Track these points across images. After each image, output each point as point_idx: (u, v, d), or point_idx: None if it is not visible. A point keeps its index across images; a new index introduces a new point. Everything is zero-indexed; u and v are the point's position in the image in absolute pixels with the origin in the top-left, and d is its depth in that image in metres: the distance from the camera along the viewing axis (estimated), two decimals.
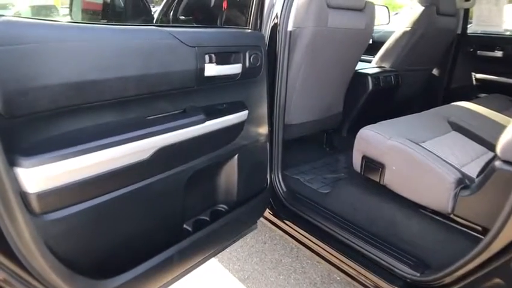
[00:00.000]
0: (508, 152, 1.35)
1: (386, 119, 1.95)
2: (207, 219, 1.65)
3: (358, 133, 1.83)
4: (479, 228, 1.53)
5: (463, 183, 1.56)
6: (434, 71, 3.23)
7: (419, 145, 1.72)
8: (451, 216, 1.57)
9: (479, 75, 3.08)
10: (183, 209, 1.48)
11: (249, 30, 1.68)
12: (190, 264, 1.54)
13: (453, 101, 3.31)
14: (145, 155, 1.22)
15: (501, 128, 2.17)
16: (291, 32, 1.88)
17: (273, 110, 1.91)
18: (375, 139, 1.76)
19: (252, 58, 1.58)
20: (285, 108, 2.00)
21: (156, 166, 1.29)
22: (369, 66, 2.77)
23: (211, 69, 1.40)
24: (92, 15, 2.86)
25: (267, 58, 1.70)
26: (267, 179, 1.91)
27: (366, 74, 2.59)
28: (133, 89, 1.19)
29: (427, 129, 1.91)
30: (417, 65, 2.96)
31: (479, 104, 2.51)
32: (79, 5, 2.73)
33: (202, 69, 1.37)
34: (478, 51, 3.05)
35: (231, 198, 1.72)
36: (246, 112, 1.61)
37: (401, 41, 2.70)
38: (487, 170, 1.46)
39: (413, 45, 2.72)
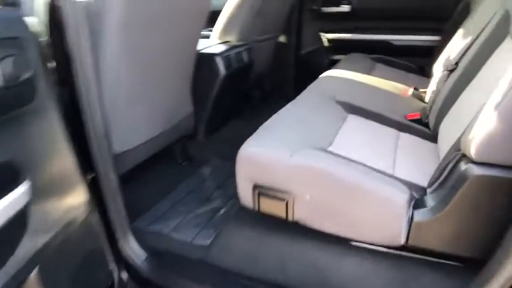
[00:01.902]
0: (485, 152, 0.88)
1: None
2: None
3: (240, 154, 1.15)
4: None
5: (413, 198, 1.05)
6: (282, 38, 2.75)
7: (332, 153, 1.15)
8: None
9: (329, 35, 2.71)
10: None
11: None
12: None
13: (306, 69, 2.96)
14: None
15: (392, 96, 1.78)
16: (86, 3, 1.05)
17: (89, 147, 1.08)
18: (269, 159, 1.11)
19: (7, 68, 0.72)
20: (109, 134, 1.19)
21: None
22: (212, 44, 2.09)
23: None
24: None
25: (46, 60, 0.85)
26: (109, 271, 1.10)
27: (213, 55, 1.90)
28: None
29: (322, 122, 1.35)
30: (265, 33, 2.41)
31: (347, 69, 2.11)
32: None
33: None
34: (323, 8, 2.67)
35: None
36: (25, 187, 0.75)
37: (245, 6, 2.08)
38: (454, 178, 0.96)
39: (259, 9, 2.14)
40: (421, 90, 1.92)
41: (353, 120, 1.44)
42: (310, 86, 1.79)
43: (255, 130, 1.26)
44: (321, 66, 2.77)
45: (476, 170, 0.91)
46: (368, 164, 1.14)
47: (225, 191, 1.66)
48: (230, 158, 2.08)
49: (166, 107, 1.64)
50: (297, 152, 1.08)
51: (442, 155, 1.24)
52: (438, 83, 1.60)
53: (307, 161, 1.06)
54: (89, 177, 1.13)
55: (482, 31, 1.37)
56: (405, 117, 1.60)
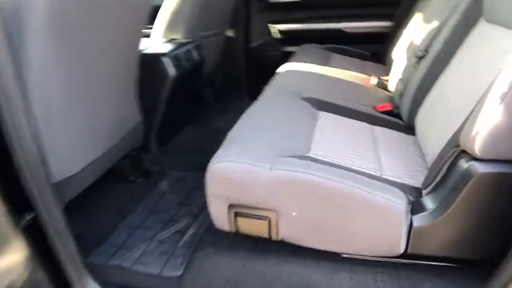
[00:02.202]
0: (491, 147, 0.79)
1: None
2: None
3: (210, 171, 0.98)
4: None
5: (410, 202, 0.94)
6: (230, 32, 2.58)
7: (314, 159, 1.01)
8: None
9: (279, 26, 2.58)
10: None
11: None
12: None
13: (258, 63, 2.82)
14: None
15: (356, 87, 1.69)
16: None
17: (21, 181, 0.86)
18: (245, 175, 0.95)
19: None
20: (44, 160, 0.98)
21: None
22: (156, 43, 1.88)
23: None
24: None
25: None
26: None
27: (160, 55, 1.70)
28: None
29: (294, 124, 1.22)
30: (212, 28, 2.24)
31: (303, 61, 2.00)
32: None
33: None
34: None
35: None
36: None
37: (189, 0, 1.90)
38: (454, 177, 0.87)
39: (205, 2, 1.96)
40: (382, 78, 1.85)
41: (324, 118, 1.32)
42: (271, 83, 1.65)
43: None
44: (273, 59, 2.65)
45: (481, 168, 0.82)
46: (354, 167, 1.02)
47: (189, 208, 1.48)
48: (189, 168, 1.92)
49: (110, 119, 1.42)
50: (276, 163, 0.94)
51: (426, 148, 1.16)
52: (405, 71, 1.52)
53: (290, 173, 0.92)
54: (28, 218, 0.91)
55: (451, 14, 1.29)
56: (375, 109, 1.51)
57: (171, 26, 1.97)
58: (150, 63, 1.70)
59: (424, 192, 0.97)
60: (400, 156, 1.17)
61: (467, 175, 0.83)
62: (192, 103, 2.13)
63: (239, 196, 0.97)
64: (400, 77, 1.62)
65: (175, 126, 2.03)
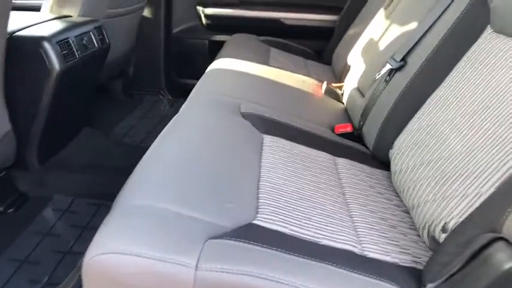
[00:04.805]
0: None
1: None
2: None
3: (87, 266, 0.55)
4: None
5: None
6: (147, 13, 2.09)
7: (265, 236, 0.64)
8: None
9: (208, 10, 2.14)
10: None
11: None
12: None
13: (181, 53, 2.35)
14: None
15: (306, 98, 1.36)
16: None
17: None
18: (152, 279, 0.54)
19: None
20: None
21: None
22: (40, 20, 1.35)
23: None
24: None
25: None
26: None
27: (38, 40, 1.19)
28: None
29: (232, 164, 0.84)
30: (124, 4, 1.75)
31: (238, 57, 1.61)
32: None
33: None
34: None
35: None
36: None
37: None
38: (489, 278, 0.55)
39: None
40: (333, 85, 1.53)
41: (273, 147, 0.95)
42: (198, 88, 1.24)
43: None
44: (199, 48, 2.24)
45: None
46: (323, 239, 0.68)
47: (76, 258, 1.04)
48: (83, 191, 1.44)
49: None
50: (206, 254, 0.55)
51: (413, 202, 0.84)
52: (368, 83, 1.21)
53: (232, 274, 0.54)
54: None
55: (438, 17, 0.99)
56: (333, 130, 1.18)
57: None
58: (26, 50, 1.20)
59: (429, 286, 0.64)
60: (379, 210, 0.84)
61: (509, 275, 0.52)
62: (91, 101, 1.63)
63: None
64: (358, 87, 1.31)
65: (66, 132, 1.52)
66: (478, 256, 0.59)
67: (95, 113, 1.77)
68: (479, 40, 0.87)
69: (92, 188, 1.40)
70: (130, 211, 0.61)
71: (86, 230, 1.22)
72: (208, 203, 0.67)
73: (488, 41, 0.85)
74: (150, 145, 0.83)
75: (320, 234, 0.69)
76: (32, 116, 1.27)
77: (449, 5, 0.98)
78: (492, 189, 0.65)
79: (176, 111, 1.04)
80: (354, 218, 0.79)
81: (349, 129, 1.17)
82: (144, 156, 0.79)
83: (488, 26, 0.87)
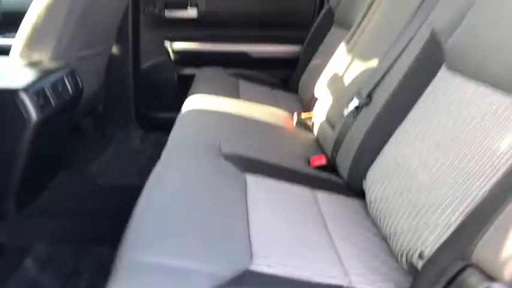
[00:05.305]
0: None
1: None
2: None
3: None
4: None
5: None
6: (115, 50, 2.11)
7: (261, 278, 0.69)
8: None
9: (176, 45, 2.19)
10: None
11: None
12: None
13: (151, 87, 2.38)
14: None
15: (280, 132, 1.43)
16: None
17: None
18: None
19: None
20: None
21: None
22: (13, 68, 1.35)
23: None
24: None
25: None
26: None
27: (15, 91, 1.19)
28: None
29: (224, 208, 0.88)
30: (93, 46, 1.77)
31: (209, 92, 1.67)
32: None
33: None
34: (166, 11, 2.13)
35: None
36: None
37: (61, 7, 1.42)
38: None
39: (83, 11, 1.50)
40: (303, 116, 1.61)
41: (256, 186, 1.00)
42: (177, 129, 1.27)
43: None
44: (168, 83, 2.28)
45: None
46: (315, 279, 0.73)
47: None
48: (64, 237, 1.43)
49: None
50: None
51: (389, 230, 0.91)
52: (337, 117, 1.29)
53: None
54: None
55: (399, 55, 1.09)
56: (309, 162, 1.25)
57: (34, 42, 1.46)
58: (2, 101, 1.19)
59: None
60: (360, 240, 0.91)
61: None
62: (65, 144, 1.63)
63: None
64: (327, 119, 1.40)
65: (43, 178, 1.51)
66: (453, 282, 0.66)
67: (69, 154, 1.76)
68: (436, 78, 0.97)
69: (72, 233, 1.39)
70: (134, 269, 0.64)
71: (70, 279, 1.21)
72: (205, 252, 0.71)
73: (444, 79, 0.96)
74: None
75: (311, 271, 0.74)
76: (8, 167, 1.26)
77: (408, 44, 1.08)
78: (460, 219, 0.73)
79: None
80: (339, 252, 0.84)
81: (323, 161, 1.24)
82: (138, 207, 0.82)
83: (444, 64, 0.97)
